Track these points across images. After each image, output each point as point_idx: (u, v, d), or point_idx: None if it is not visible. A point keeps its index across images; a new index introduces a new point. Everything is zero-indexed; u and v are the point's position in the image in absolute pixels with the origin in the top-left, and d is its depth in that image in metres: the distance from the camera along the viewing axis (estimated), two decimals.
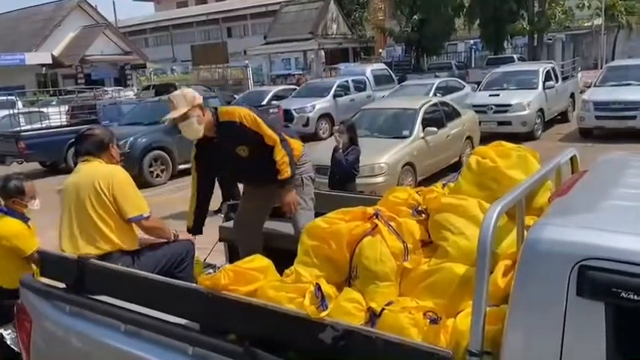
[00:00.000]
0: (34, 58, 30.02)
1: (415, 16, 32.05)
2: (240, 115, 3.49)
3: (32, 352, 2.82)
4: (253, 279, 2.31)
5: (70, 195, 3.24)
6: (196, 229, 3.74)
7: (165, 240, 3.43)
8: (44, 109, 16.14)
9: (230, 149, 3.54)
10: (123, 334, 2.45)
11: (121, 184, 3.22)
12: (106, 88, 26.27)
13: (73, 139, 11.69)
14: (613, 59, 25.47)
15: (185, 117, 3.38)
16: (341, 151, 5.92)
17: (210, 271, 3.49)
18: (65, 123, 14.53)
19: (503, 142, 2.65)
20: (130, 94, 24.11)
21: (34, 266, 3.40)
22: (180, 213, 8.15)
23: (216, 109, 3.60)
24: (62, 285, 2.88)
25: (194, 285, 2.45)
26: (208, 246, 4.06)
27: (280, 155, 3.50)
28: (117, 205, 3.17)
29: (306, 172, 3.81)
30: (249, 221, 3.80)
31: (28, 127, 13.96)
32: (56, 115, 14.88)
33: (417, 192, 2.74)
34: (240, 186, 7.28)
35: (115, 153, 3.43)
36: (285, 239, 3.58)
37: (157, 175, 10.70)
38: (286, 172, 3.52)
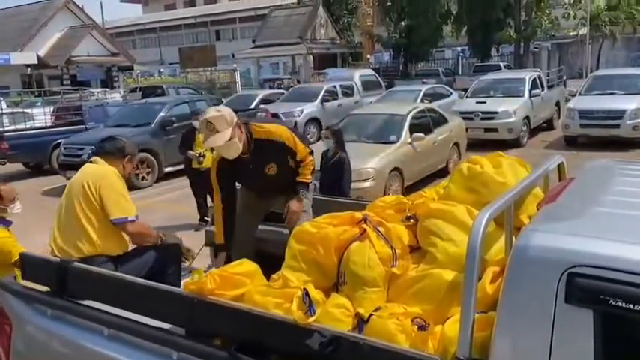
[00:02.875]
0: (19, 58, 29.65)
1: (403, 23, 32.23)
2: (282, 135, 3.45)
3: (12, 357, 2.76)
4: (240, 283, 2.29)
5: (65, 194, 3.29)
6: (226, 244, 3.50)
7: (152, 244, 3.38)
8: (29, 110, 15.93)
9: (260, 166, 3.48)
10: (106, 338, 2.41)
11: (110, 185, 3.21)
12: (92, 90, 25.99)
13: (60, 140, 11.63)
14: (597, 68, 25.80)
15: (229, 140, 3.19)
16: (330, 155, 5.90)
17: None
18: (50, 124, 14.35)
19: (502, 154, 2.65)
20: (116, 95, 23.87)
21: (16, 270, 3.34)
22: (166, 216, 8.12)
23: (246, 124, 3.43)
24: (44, 288, 2.83)
25: (179, 289, 2.41)
26: (195, 250, 4.02)
27: (309, 164, 3.59)
28: (102, 205, 3.16)
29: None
30: (247, 231, 3.71)
31: (12, 127, 13.76)
32: (41, 116, 14.70)
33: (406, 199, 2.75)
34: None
35: (128, 167, 3.47)
36: (275, 244, 3.55)
37: (143, 178, 10.61)
38: (307, 178, 3.59)
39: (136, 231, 3.28)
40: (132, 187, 9.90)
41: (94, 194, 3.16)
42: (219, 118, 3.18)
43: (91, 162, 3.43)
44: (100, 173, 3.27)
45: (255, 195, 3.80)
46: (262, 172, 3.51)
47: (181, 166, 11.11)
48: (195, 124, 7.20)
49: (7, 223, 3.65)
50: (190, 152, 7.25)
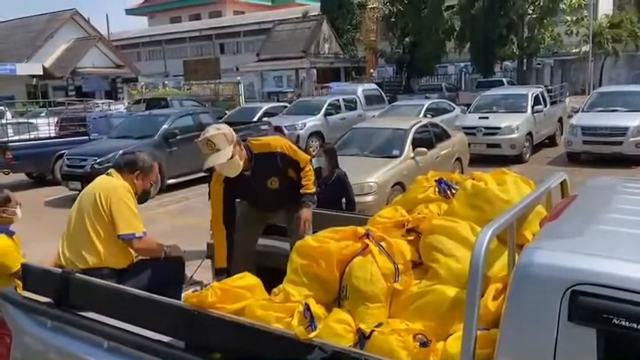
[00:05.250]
0: (24, 68, 29.88)
1: (407, 39, 32.43)
2: (281, 145, 3.45)
3: None
4: (241, 297, 2.28)
5: (76, 205, 3.30)
6: (228, 268, 3.45)
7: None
8: (33, 120, 15.99)
9: (261, 181, 3.47)
10: (105, 351, 2.40)
11: (121, 199, 3.21)
12: (96, 101, 26.12)
13: (63, 151, 11.67)
14: (600, 85, 25.87)
15: (230, 158, 3.19)
16: (326, 173, 5.83)
17: (197, 288, 3.43)
18: (54, 134, 14.41)
19: (506, 170, 2.65)
20: (120, 107, 23.99)
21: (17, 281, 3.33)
22: (168, 227, 8.11)
23: (244, 140, 3.44)
24: (45, 299, 2.82)
25: (180, 302, 2.41)
26: (196, 262, 4.01)
27: (309, 174, 3.56)
28: (111, 219, 3.16)
29: None
30: (248, 244, 3.71)
31: (16, 137, 13.81)
32: (45, 127, 14.76)
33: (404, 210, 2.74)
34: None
35: (138, 183, 3.42)
36: (277, 257, 3.53)
37: None
38: (311, 188, 3.56)
39: (142, 247, 3.28)
40: None
41: (104, 207, 3.16)
42: (218, 136, 3.15)
43: (107, 174, 3.43)
44: (111, 186, 3.27)
45: (256, 209, 3.79)
46: (265, 187, 3.51)
47: (183, 178, 11.25)
48: None
49: (10, 233, 3.64)
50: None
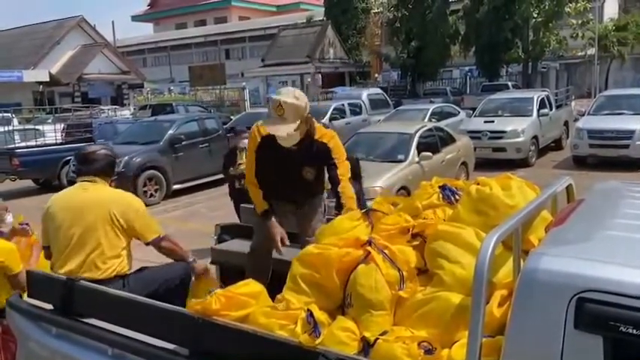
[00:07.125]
0: (31, 75, 30.07)
1: (411, 43, 32.44)
2: (336, 142, 3.31)
3: None
4: (245, 304, 2.27)
5: (74, 213, 3.08)
6: (270, 207, 3.34)
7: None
8: (40, 127, 16.08)
9: (299, 164, 3.26)
10: (110, 358, 2.40)
11: (138, 212, 3.17)
12: (102, 107, 26.25)
13: (69, 157, 11.72)
14: (606, 88, 25.77)
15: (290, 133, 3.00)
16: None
17: None
18: (60, 141, 14.49)
19: (511, 175, 2.63)
20: (126, 113, 24.10)
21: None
22: (174, 232, 8.09)
23: (312, 118, 3.23)
24: (50, 306, 2.82)
25: (184, 309, 2.40)
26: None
27: (349, 189, 3.27)
28: (134, 233, 3.13)
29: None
30: (267, 248, 3.48)
31: (23, 144, 13.90)
32: (51, 133, 14.84)
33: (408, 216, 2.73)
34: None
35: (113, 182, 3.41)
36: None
37: (151, 195, 10.64)
38: (354, 206, 3.19)
39: (168, 246, 3.26)
40: None
41: (122, 223, 3.07)
42: (292, 106, 2.96)
43: (88, 181, 3.18)
44: (123, 201, 3.17)
45: (273, 196, 3.45)
46: (299, 172, 3.28)
47: (189, 184, 11.28)
48: (242, 143, 6.62)
49: (1, 234, 3.64)
50: (232, 169, 6.75)
